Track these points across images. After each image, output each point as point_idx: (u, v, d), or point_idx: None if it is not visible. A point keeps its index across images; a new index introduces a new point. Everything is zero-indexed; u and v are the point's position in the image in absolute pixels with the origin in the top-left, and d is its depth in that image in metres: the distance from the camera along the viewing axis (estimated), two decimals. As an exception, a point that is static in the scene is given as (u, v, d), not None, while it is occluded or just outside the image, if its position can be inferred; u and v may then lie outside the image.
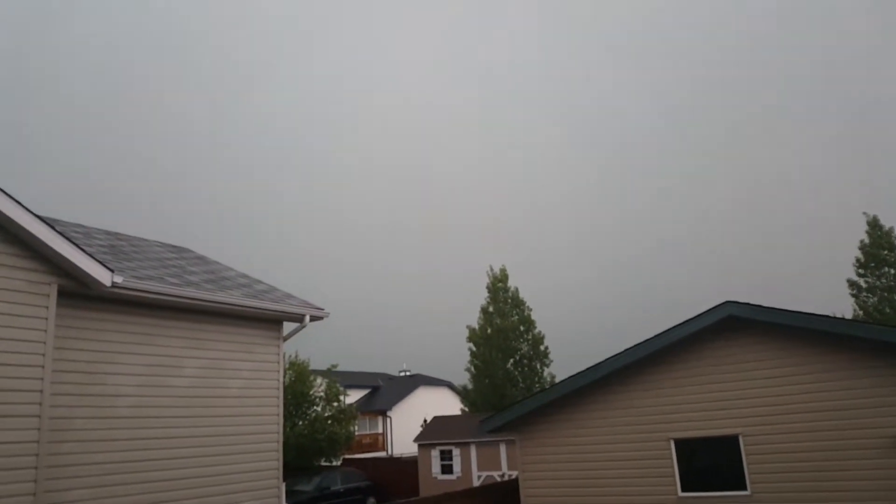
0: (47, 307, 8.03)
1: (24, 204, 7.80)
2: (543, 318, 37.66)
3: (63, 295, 8.38)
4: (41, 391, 7.76)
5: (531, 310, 37.01)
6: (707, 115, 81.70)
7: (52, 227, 8.07)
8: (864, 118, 69.69)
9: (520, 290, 37.49)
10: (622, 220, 77.11)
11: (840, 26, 72.00)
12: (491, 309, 37.14)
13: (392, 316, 77.24)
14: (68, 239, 8.24)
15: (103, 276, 8.48)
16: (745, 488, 12.10)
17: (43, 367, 7.83)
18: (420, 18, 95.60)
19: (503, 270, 37.86)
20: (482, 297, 37.81)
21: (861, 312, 30.49)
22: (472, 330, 37.07)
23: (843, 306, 31.60)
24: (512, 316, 36.66)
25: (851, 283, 31.55)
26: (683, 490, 12.60)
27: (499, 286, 37.50)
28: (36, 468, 7.58)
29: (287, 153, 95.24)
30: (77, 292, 8.58)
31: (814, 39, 76.30)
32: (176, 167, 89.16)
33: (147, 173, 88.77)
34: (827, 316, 12.71)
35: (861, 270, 31.43)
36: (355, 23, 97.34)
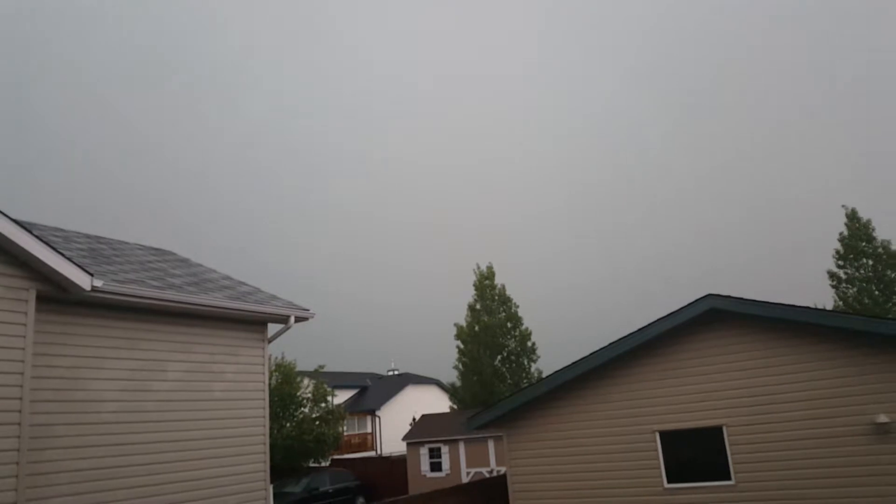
0: (26, 313, 7.91)
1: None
2: (534, 316, 37.80)
3: (42, 300, 8.26)
4: (21, 398, 7.65)
5: (518, 306, 37.08)
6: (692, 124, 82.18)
7: (29, 231, 7.95)
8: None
9: (507, 287, 37.57)
10: (618, 228, 77.70)
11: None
12: (478, 306, 37.15)
13: (380, 315, 77.18)
14: (46, 243, 8.12)
15: (83, 280, 8.36)
16: (729, 478, 12.23)
17: (22, 373, 7.71)
18: (428, 25, 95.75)
19: (490, 268, 37.87)
20: (469, 294, 37.88)
21: (841, 303, 30.93)
22: (459, 328, 37.07)
23: (824, 297, 32.10)
24: (499, 313, 36.69)
25: (831, 275, 31.96)
26: (669, 481, 12.71)
27: (486, 284, 37.50)
28: (17, 476, 7.49)
29: (281, 149, 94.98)
30: (56, 297, 8.45)
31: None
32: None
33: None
34: (807, 307, 12.86)
35: (840, 262, 31.86)
36: (359, 20, 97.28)
